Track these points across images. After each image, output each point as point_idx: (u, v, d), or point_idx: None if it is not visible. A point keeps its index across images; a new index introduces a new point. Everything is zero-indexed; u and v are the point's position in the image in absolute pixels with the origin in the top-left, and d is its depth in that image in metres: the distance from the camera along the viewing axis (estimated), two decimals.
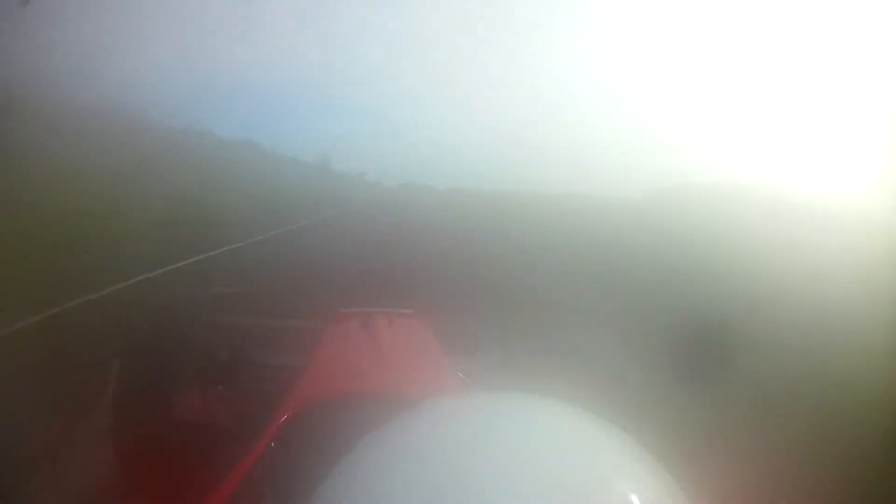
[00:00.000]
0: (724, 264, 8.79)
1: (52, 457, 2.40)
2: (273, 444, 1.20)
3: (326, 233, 12.91)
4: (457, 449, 0.66)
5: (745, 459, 2.28)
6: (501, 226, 17.82)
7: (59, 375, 3.28)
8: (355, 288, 5.74)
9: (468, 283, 7.21)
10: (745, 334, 4.46)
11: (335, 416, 0.92)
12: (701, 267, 8.57)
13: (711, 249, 10.27)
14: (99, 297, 5.47)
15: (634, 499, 0.63)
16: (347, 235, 12.41)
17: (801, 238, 10.27)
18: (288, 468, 0.73)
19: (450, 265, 8.79)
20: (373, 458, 0.69)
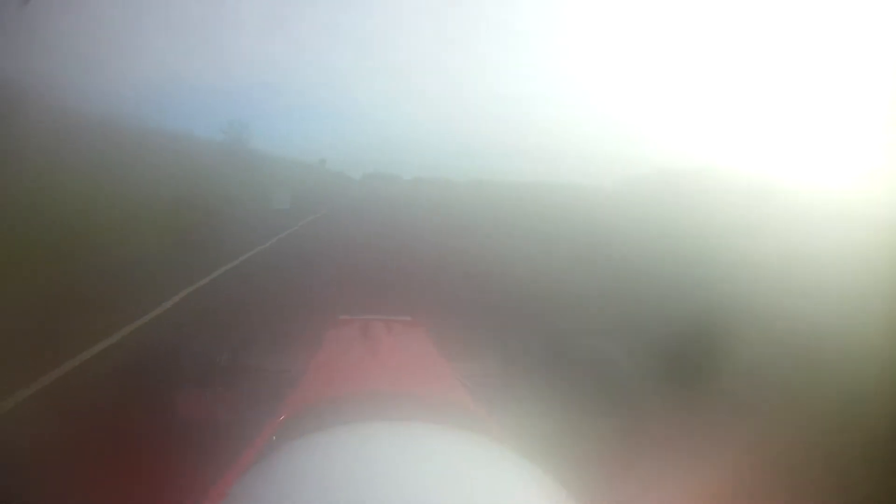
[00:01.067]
0: (697, 253, 8.86)
1: (51, 458, 2.40)
2: (272, 443, 1.21)
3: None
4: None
5: (736, 458, 2.30)
6: (471, 215, 17.88)
7: (60, 376, 3.29)
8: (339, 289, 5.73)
9: (451, 278, 7.23)
10: (725, 324, 4.51)
11: (332, 422, 0.93)
12: (677, 256, 8.65)
13: (683, 237, 10.36)
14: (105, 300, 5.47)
15: None
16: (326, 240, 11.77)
17: (778, 225, 10.31)
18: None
19: (424, 259, 8.82)
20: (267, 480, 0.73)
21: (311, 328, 2.22)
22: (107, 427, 2.25)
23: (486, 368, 2.14)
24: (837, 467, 2.48)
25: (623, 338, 3.68)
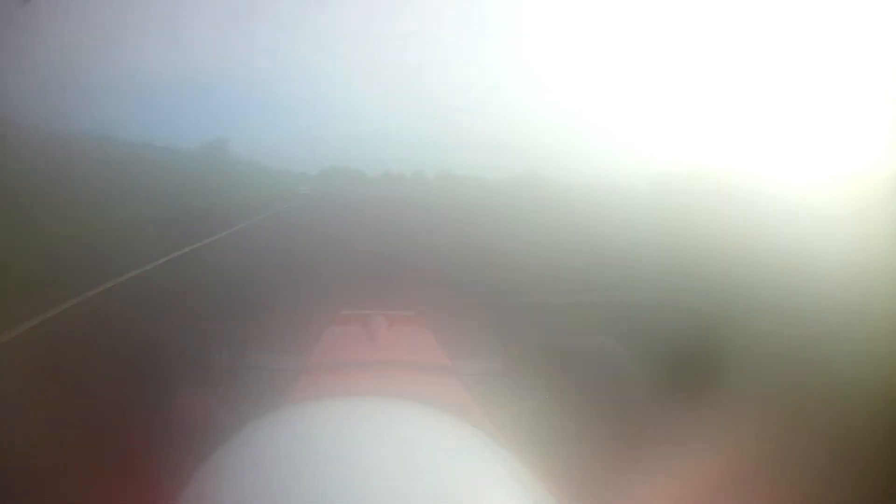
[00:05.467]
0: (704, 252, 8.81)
1: (49, 457, 2.40)
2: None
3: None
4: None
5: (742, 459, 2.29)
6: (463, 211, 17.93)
7: (58, 376, 3.29)
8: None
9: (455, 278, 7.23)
10: (743, 327, 4.49)
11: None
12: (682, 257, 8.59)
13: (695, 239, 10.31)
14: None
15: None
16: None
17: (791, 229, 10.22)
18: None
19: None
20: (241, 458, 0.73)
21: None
22: None
23: (488, 366, 2.13)
24: (839, 466, 2.47)
25: (627, 336, 3.65)
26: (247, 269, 7.62)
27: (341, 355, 1.82)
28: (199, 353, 1.93)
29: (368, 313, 2.17)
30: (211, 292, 5.67)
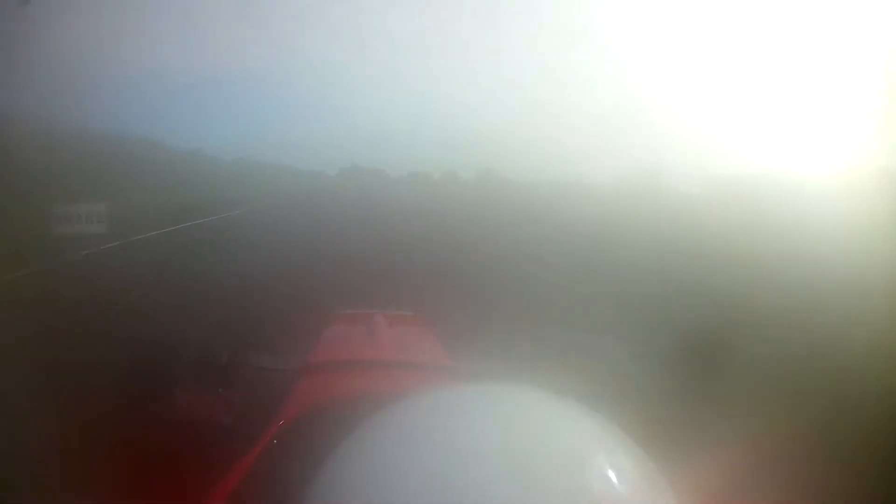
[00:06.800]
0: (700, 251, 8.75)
1: (49, 458, 2.40)
2: (274, 443, 1.20)
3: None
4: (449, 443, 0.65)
5: (743, 458, 2.28)
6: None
7: (57, 375, 3.28)
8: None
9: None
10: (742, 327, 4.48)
11: (334, 419, 0.92)
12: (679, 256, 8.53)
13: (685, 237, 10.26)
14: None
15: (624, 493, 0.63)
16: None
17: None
18: (287, 470, 0.73)
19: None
20: (365, 452, 0.69)
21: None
22: None
23: (489, 366, 2.12)
24: (839, 466, 2.47)
25: (626, 337, 3.65)
26: None
27: (341, 355, 1.82)
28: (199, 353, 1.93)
29: (368, 313, 2.17)
30: None
